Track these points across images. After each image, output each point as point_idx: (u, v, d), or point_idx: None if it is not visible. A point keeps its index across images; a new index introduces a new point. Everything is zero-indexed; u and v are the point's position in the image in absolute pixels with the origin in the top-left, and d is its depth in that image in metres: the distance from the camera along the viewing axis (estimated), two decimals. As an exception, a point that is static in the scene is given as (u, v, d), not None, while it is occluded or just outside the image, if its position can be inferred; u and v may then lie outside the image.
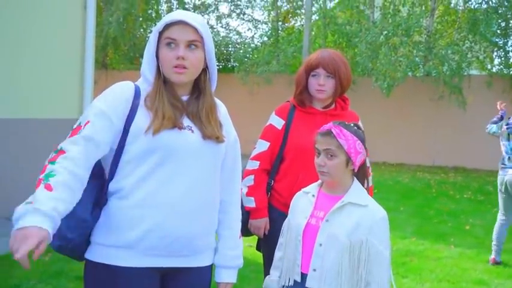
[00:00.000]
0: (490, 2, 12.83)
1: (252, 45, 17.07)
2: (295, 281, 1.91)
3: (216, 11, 17.44)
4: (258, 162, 2.58)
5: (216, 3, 17.42)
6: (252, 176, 2.55)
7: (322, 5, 15.38)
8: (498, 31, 12.71)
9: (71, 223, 1.65)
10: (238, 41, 17.33)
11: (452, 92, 12.21)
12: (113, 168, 1.74)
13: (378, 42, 12.51)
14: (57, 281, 3.91)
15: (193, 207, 1.75)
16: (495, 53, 13.40)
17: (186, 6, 17.03)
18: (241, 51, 16.43)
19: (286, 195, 2.37)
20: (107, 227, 1.70)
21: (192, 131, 1.78)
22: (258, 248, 2.69)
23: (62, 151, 1.60)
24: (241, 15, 17.55)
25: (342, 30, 13.66)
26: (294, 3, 16.93)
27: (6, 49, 5.65)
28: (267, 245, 2.50)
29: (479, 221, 6.82)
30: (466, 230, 6.37)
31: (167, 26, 1.75)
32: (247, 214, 2.52)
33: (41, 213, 1.41)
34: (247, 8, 17.57)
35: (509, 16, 12.56)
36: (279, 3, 17.08)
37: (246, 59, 15.60)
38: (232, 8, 17.46)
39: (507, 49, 12.98)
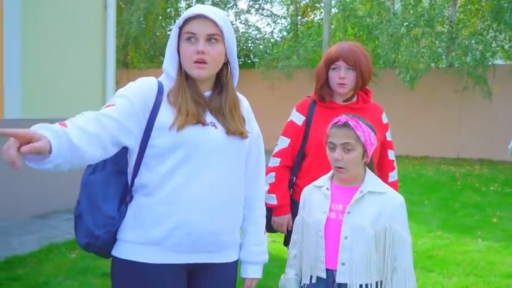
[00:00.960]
0: None
1: (272, 40, 17.15)
2: (318, 278, 1.88)
3: (234, 7, 17.55)
4: (279, 159, 2.57)
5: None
6: (273, 173, 2.54)
7: None
8: None
9: (98, 220, 1.68)
10: (258, 36, 17.47)
11: (477, 82, 12.14)
12: (138, 164, 1.75)
13: (399, 34, 12.48)
14: (84, 277, 3.99)
15: (218, 203, 1.75)
16: None
17: (205, 3, 17.05)
18: (261, 46, 16.50)
19: None
20: (133, 224, 1.72)
21: (216, 127, 1.77)
22: (286, 244, 2.70)
23: (110, 104, 1.65)
24: (260, 11, 17.73)
25: (362, 22, 13.64)
26: None
27: (31, 51, 5.76)
28: None
29: (506, 214, 6.74)
30: (493, 222, 6.28)
31: (187, 21, 1.75)
32: (269, 211, 2.51)
33: (49, 128, 1.40)
34: (266, 3, 17.71)
35: None
36: None
37: (266, 54, 15.65)
38: (250, 3, 17.59)
39: None
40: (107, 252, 1.77)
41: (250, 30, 17.73)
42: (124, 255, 1.71)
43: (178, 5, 18.15)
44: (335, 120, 1.87)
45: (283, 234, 2.67)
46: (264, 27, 18.13)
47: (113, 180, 1.75)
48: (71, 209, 5.83)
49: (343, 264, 1.80)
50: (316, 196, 1.95)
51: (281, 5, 17.85)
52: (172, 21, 18.31)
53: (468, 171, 10.82)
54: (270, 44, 16.54)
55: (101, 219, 1.68)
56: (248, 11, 17.60)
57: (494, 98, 12.12)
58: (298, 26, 16.85)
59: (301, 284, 1.95)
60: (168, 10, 18.01)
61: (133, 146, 1.72)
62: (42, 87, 5.85)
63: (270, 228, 2.52)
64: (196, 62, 1.73)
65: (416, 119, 13.00)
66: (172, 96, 1.76)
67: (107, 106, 1.68)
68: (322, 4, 15.60)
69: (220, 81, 1.84)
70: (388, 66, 12.67)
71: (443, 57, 12.93)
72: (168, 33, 18.39)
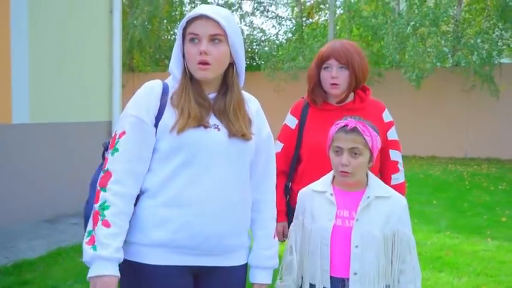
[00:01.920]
0: None
1: (277, 42, 17.21)
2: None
3: (239, 10, 17.60)
4: None
5: (240, 1, 17.63)
6: None
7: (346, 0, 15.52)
8: None
9: None
10: (263, 38, 17.53)
11: (484, 81, 12.15)
12: None
13: (405, 34, 12.51)
14: None
15: (221, 206, 1.73)
16: None
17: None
18: (266, 48, 16.60)
19: None
20: (139, 226, 1.72)
21: (219, 129, 1.75)
22: None
23: (108, 172, 1.66)
24: (265, 13, 17.74)
25: (367, 23, 13.73)
26: None
27: (38, 56, 5.77)
28: None
29: None
30: (502, 222, 6.26)
31: (190, 22, 1.73)
32: None
33: (108, 260, 1.59)
34: (271, 5, 17.77)
35: None
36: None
37: (271, 56, 15.70)
38: (255, 5, 17.64)
39: None
40: None
41: (255, 33, 17.79)
42: (129, 256, 1.71)
43: (183, 8, 18.23)
44: (341, 123, 1.81)
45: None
46: (269, 29, 18.44)
47: None
48: (80, 213, 5.81)
49: (355, 274, 1.76)
50: (319, 202, 1.88)
51: (286, 6, 17.99)
52: (177, 24, 18.28)
53: (476, 170, 10.81)
54: (275, 46, 16.62)
55: None
56: (253, 13, 17.65)
57: (501, 96, 12.14)
58: (303, 27, 16.93)
59: None
60: (173, 13, 18.08)
61: None
62: (49, 92, 5.88)
63: None
64: (199, 63, 1.72)
65: (422, 118, 13.03)
66: (175, 97, 1.76)
67: (116, 136, 1.71)
68: (327, 5, 15.70)
69: (226, 82, 1.82)
70: (394, 66, 12.67)
71: (449, 56, 12.98)
72: (173, 36, 18.53)
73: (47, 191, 5.83)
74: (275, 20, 17.73)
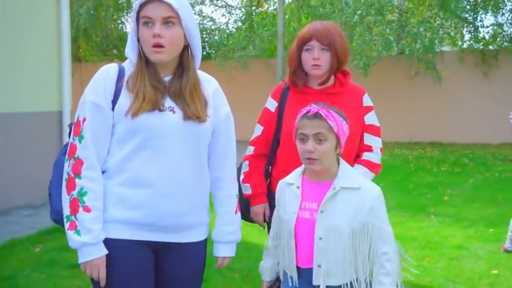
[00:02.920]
0: None
1: (227, 31, 17.07)
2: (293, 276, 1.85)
3: None
4: (253, 148, 2.45)
5: None
6: (247, 162, 2.44)
7: None
8: (467, 7, 12.93)
9: None
10: (213, 27, 17.31)
11: (427, 68, 12.44)
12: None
13: (352, 23, 12.57)
14: (51, 269, 3.96)
15: (178, 186, 1.76)
16: (465, 29, 13.62)
17: None
18: (216, 37, 16.39)
19: None
20: (104, 204, 1.77)
21: (174, 112, 1.77)
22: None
23: (79, 159, 1.72)
24: (215, 1, 17.54)
25: (315, 12, 13.67)
26: None
27: None
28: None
29: (456, 192, 6.99)
30: (444, 200, 6.52)
31: (143, 5, 1.73)
32: (247, 201, 2.44)
33: (94, 245, 1.70)
34: None
35: None
36: None
37: (222, 45, 15.57)
38: None
39: (476, 24, 13.21)
40: None
41: (205, 22, 17.52)
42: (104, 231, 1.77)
43: None
44: (304, 110, 1.75)
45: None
46: (219, 18, 18.23)
47: None
48: (32, 205, 5.79)
49: (319, 266, 1.71)
50: (288, 194, 1.85)
51: None
52: (124, 12, 17.96)
53: (420, 154, 11.04)
54: (226, 35, 16.49)
55: None
56: (202, 2, 17.39)
57: (443, 82, 12.47)
58: (253, 16, 16.81)
59: (282, 279, 1.92)
60: (120, 1, 17.60)
61: None
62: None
63: (247, 218, 2.46)
64: (153, 46, 1.72)
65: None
66: (131, 81, 1.77)
67: (79, 122, 1.75)
68: None
69: (182, 64, 1.83)
70: None
71: (394, 44, 13.20)
72: (121, 25, 18.12)
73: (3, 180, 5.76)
74: (225, 9, 17.74)
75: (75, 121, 1.77)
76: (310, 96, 2.23)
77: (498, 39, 13.09)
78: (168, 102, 1.77)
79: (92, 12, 15.96)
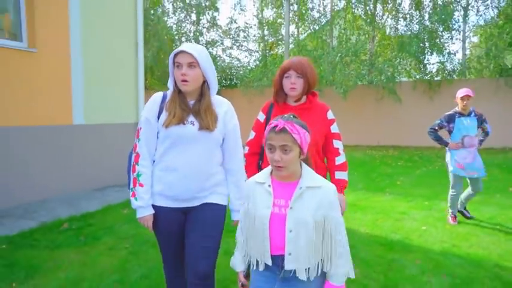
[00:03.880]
0: (412, 30, 12.93)
1: (248, 67, 16.94)
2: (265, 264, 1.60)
3: (221, 45, 17.33)
4: (247, 148, 2.40)
5: (222, 39, 17.29)
6: (245, 158, 2.37)
7: (296, 38, 15.42)
8: (419, 50, 12.76)
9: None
10: (239, 65, 17.22)
11: (390, 93, 12.35)
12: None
13: (335, 62, 12.51)
14: (135, 223, 4.09)
15: (192, 171, 1.83)
16: (417, 66, 13.44)
17: (200, 42, 16.86)
18: (241, 72, 16.30)
19: None
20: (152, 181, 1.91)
21: (193, 124, 1.82)
22: None
23: (138, 154, 1.87)
24: (240, 47, 17.40)
25: (310, 54, 13.44)
26: (277, 37, 16.84)
27: (89, 76, 5.82)
28: None
29: (406, 179, 7.04)
30: (397, 184, 6.62)
31: (176, 55, 1.82)
32: None
33: (145, 207, 1.85)
34: (244, 42, 17.44)
35: (425, 39, 12.66)
36: (266, 37, 16.92)
37: (244, 78, 15.49)
38: (233, 42, 17.36)
39: (425, 62, 13.05)
40: None
41: (233, 61, 17.41)
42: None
43: (182, 44, 17.96)
44: (272, 124, 1.53)
45: None
46: (243, 59, 17.64)
47: None
48: (118, 185, 6.08)
49: (289, 254, 1.51)
50: (259, 191, 1.60)
51: (254, 42, 17.40)
52: None
53: (384, 153, 10.95)
54: (247, 70, 16.36)
55: None
56: (231, 48, 17.37)
57: (402, 103, 12.38)
58: (267, 57, 16.71)
59: (251, 267, 1.65)
60: (174, 47, 17.34)
61: None
62: (96, 102, 5.94)
63: None
64: (182, 81, 1.80)
65: (349, 119, 12.88)
66: (167, 104, 1.86)
67: (138, 129, 1.88)
68: (283, 42, 15.56)
69: (202, 92, 1.88)
70: (328, 85, 12.67)
71: (366, 76, 13.00)
72: None
73: (96, 169, 5.92)
74: (247, 52, 17.55)
75: (137, 128, 1.92)
76: (288, 111, 2.15)
77: (440, 73, 12.96)
78: (191, 118, 1.83)
79: (155, 54, 16.26)
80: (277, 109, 2.31)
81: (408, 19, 13.06)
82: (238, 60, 17.46)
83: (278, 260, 1.55)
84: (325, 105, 2.35)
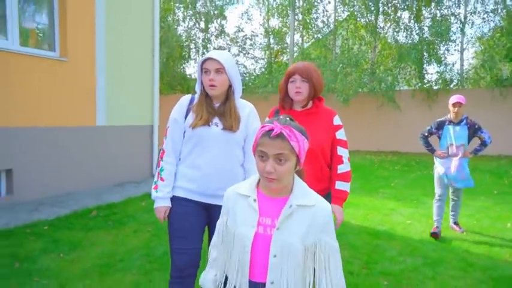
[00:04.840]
0: (412, 40, 13.25)
1: (254, 74, 17.18)
2: None
3: (229, 52, 17.63)
4: None
5: (229, 46, 17.59)
6: None
7: (300, 46, 15.71)
8: (417, 59, 13.09)
9: None
10: (245, 72, 17.52)
11: (389, 101, 12.61)
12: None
13: (337, 71, 12.73)
14: (152, 214, 4.44)
15: (216, 170, 1.87)
16: (416, 75, 13.69)
17: (209, 49, 17.17)
18: (247, 78, 16.57)
19: None
20: (176, 177, 1.96)
21: (217, 126, 1.87)
22: None
23: (163, 150, 1.92)
24: (247, 55, 17.66)
25: (314, 63, 14.09)
26: (282, 45, 17.07)
27: (111, 82, 6.21)
28: None
29: (401, 181, 7.35)
30: (391, 186, 6.93)
31: (204, 61, 1.87)
32: None
33: (162, 198, 1.89)
34: (251, 50, 17.69)
35: (424, 50, 12.99)
36: (271, 45, 17.18)
37: (250, 84, 15.72)
38: (240, 49, 17.63)
39: (423, 72, 13.33)
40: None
41: (240, 68, 17.51)
42: (174, 192, 1.98)
43: (190, 51, 18.10)
44: (267, 128, 1.23)
45: None
46: (249, 66, 17.91)
47: None
48: (135, 181, 6.50)
49: (272, 283, 1.25)
50: (242, 206, 1.31)
51: (260, 50, 17.73)
52: (186, 61, 18.21)
53: (383, 158, 11.11)
54: (253, 77, 16.59)
55: None
56: (238, 55, 17.64)
57: (401, 111, 12.64)
58: (272, 64, 16.88)
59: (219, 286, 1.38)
60: (183, 54, 17.99)
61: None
62: (116, 105, 6.31)
63: None
64: (210, 85, 1.84)
65: (350, 125, 12.91)
66: (195, 107, 1.91)
67: (167, 128, 1.93)
68: (288, 50, 15.88)
69: (227, 96, 1.93)
70: (330, 92, 12.72)
71: (367, 84, 13.24)
72: (183, 70, 18.26)
73: (116, 167, 6.33)
74: (253, 59, 17.81)
75: (166, 127, 1.96)
76: (294, 117, 1.96)
77: (439, 82, 13.27)
78: (215, 120, 1.88)
79: (165, 61, 16.58)
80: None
81: (408, 31, 13.39)
82: (245, 67, 17.69)
83: (258, 287, 1.27)
84: (331, 111, 2.23)
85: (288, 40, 16.33)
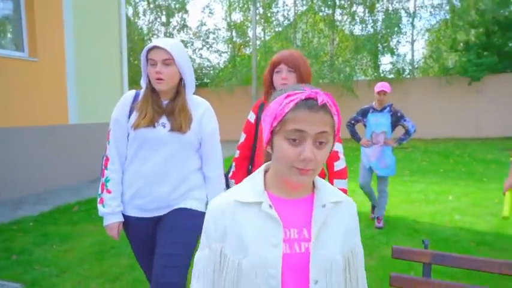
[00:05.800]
0: (367, 32, 14.00)
1: (218, 67, 17.35)
2: None
3: (192, 46, 17.62)
4: (238, 152, 2.14)
5: (192, 40, 17.65)
6: (234, 163, 2.15)
7: (262, 39, 16.15)
8: (372, 51, 13.84)
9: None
10: (209, 65, 17.62)
11: (348, 90, 13.37)
12: None
13: None
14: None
15: (161, 177, 1.65)
16: (371, 66, 14.50)
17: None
18: (211, 72, 16.78)
19: None
20: (122, 189, 1.74)
21: (164, 126, 1.65)
22: None
23: (106, 157, 1.70)
24: (210, 48, 17.68)
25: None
26: (244, 39, 17.30)
27: (82, 79, 6.28)
28: None
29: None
30: (351, 169, 6.98)
31: (149, 51, 1.64)
32: None
33: (111, 214, 1.67)
34: (214, 43, 17.72)
35: (378, 41, 13.76)
36: (234, 39, 17.32)
37: (215, 77, 15.88)
38: (203, 43, 17.63)
39: (378, 63, 14.24)
40: None
41: (203, 62, 17.79)
42: (122, 210, 1.75)
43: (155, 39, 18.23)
44: (303, 95, 0.81)
45: None
46: (213, 59, 18.39)
47: None
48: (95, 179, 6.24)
49: None
50: (250, 219, 0.86)
51: (224, 44, 17.78)
52: None
53: (344, 145, 11.01)
54: (217, 71, 16.77)
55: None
56: (201, 49, 17.72)
57: (359, 100, 13.38)
58: (236, 57, 17.10)
59: None
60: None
61: None
62: (87, 104, 6.38)
63: None
64: (156, 79, 1.63)
65: None
66: (139, 104, 1.69)
67: (108, 131, 1.73)
68: (250, 43, 16.12)
69: (177, 91, 1.71)
70: None
71: (327, 76, 13.84)
72: None
73: (91, 164, 6.39)
74: (217, 53, 17.83)
75: (108, 130, 1.76)
76: None
77: (393, 71, 14.10)
78: (163, 119, 1.67)
79: (127, 55, 16.65)
80: None
81: (364, 24, 14.11)
82: (209, 60, 17.87)
83: None
84: None
85: (250, 34, 16.45)
